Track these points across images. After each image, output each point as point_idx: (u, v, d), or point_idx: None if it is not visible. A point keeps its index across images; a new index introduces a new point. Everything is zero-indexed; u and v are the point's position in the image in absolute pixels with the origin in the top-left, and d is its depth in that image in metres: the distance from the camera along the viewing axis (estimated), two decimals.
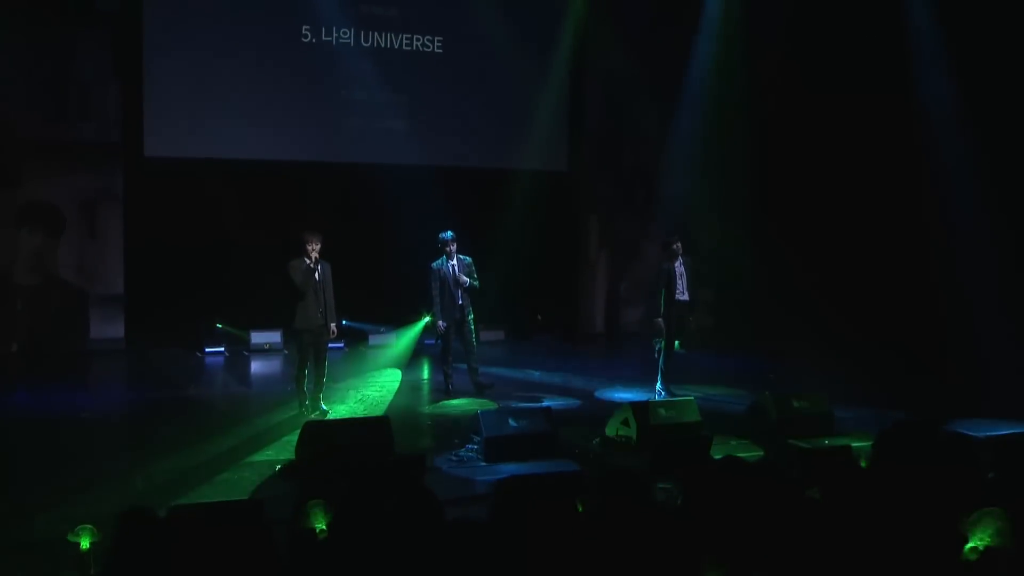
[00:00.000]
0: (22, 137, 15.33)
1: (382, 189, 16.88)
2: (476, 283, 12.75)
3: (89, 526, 5.74)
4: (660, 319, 13.07)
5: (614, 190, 19.47)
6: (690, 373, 13.69)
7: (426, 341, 17.07)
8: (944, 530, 4.62)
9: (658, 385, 13.09)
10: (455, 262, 12.63)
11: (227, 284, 15.94)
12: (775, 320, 16.37)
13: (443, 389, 12.97)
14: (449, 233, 12.68)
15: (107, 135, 15.95)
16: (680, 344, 13.33)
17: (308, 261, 11.24)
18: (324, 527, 4.81)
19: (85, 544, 5.65)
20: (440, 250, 12.68)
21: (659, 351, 13.06)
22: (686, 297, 13.08)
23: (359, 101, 17.18)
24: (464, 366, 13.04)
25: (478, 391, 12.81)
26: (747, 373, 14.46)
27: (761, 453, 9.93)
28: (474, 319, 12.91)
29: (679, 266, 13.07)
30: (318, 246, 11.29)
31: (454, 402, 12.55)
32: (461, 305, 12.66)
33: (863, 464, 7.23)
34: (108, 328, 16.16)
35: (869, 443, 8.23)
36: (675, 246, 13.09)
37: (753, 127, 18.35)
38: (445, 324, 12.69)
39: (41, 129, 15.51)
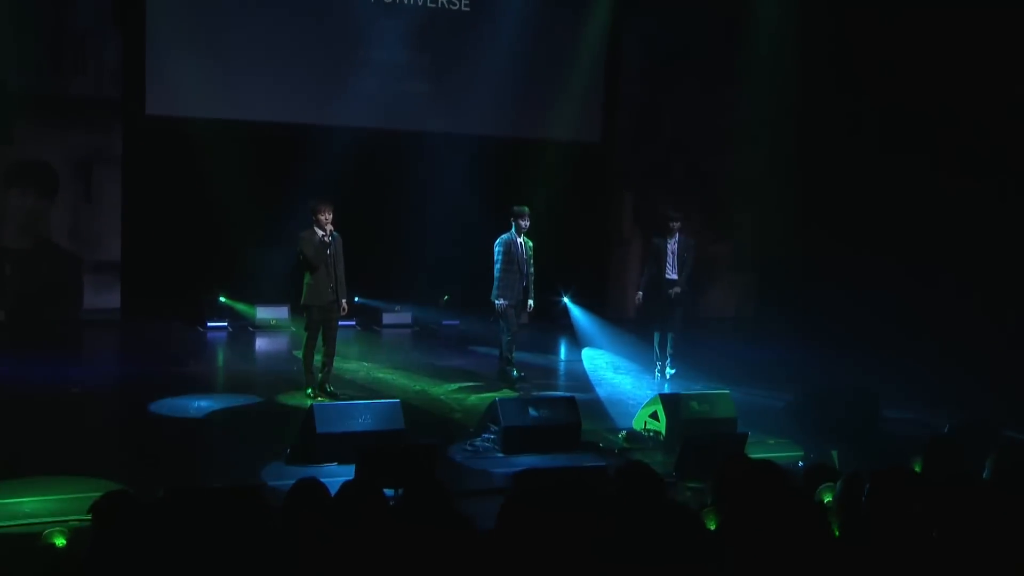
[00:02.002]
0: (13, 91, 15.37)
1: (400, 157, 16.89)
2: (533, 270, 12.69)
3: (58, 527, 5.76)
4: (639, 293, 13.47)
5: (650, 164, 19.39)
6: (726, 365, 13.64)
7: (444, 322, 17.11)
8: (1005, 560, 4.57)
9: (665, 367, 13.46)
10: (521, 240, 12.57)
11: (232, 254, 15.97)
12: (820, 309, 16.29)
13: (507, 379, 12.74)
14: (525, 207, 12.63)
15: (105, 90, 16.00)
16: (662, 326, 13.36)
17: (321, 233, 11.23)
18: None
19: (61, 542, 5.67)
20: (512, 222, 12.54)
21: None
22: (674, 276, 13.14)
23: (377, 61, 17.14)
24: (493, 351, 13.02)
25: (501, 377, 12.79)
26: (788, 366, 14.37)
27: (801, 454, 9.89)
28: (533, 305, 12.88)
29: (672, 244, 13.20)
30: (330, 215, 11.26)
31: (473, 388, 12.56)
32: (525, 287, 12.64)
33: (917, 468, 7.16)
34: (103, 297, 16.25)
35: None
36: (672, 224, 13.26)
37: (804, 98, 18.22)
38: (506, 302, 12.59)
39: (34, 83, 15.54)
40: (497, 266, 12.52)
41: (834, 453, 9.07)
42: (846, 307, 15.90)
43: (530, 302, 12.75)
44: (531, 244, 12.67)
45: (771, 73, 18.14)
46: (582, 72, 18.44)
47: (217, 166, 15.75)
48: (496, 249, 12.53)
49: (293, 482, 5.07)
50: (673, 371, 13.45)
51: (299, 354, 12.08)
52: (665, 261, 13.26)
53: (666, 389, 12.47)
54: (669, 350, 13.47)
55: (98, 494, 4.91)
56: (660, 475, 5.23)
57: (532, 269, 12.67)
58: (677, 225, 13.31)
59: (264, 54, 16.45)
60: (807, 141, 18.29)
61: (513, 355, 12.80)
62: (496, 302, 12.54)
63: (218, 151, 15.77)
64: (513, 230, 12.52)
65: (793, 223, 17.79)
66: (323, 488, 4.99)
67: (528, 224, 12.53)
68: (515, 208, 12.60)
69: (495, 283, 12.56)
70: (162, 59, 15.82)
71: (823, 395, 11.09)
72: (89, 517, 4.80)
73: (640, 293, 13.58)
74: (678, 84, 18.87)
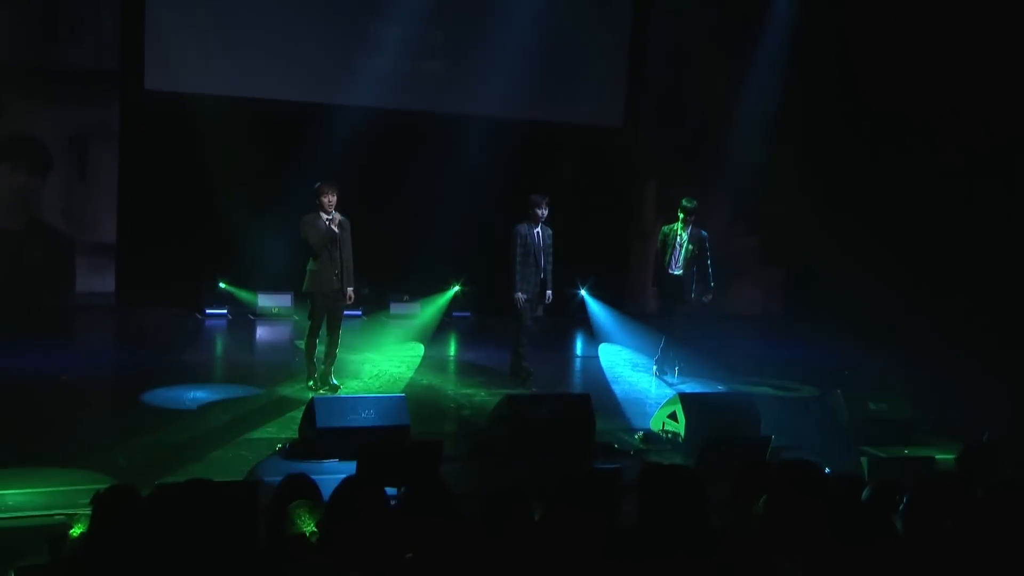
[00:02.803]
0: (4, 61, 15.36)
1: (412, 139, 16.86)
2: (551, 262, 12.65)
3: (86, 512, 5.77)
4: (654, 289, 13.19)
5: (675, 151, 19.32)
6: (751, 364, 13.60)
7: (455, 313, 17.09)
8: None
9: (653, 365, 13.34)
10: (539, 229, 12.53)
11: (233, 238, 15.96)
12: (853, 308, 16.22)
13: (519, 375, 12.72)
14: (544, 195, 12.55)
15: (102, 62, 15.99)
16: (662, 327, 13.25)
17: (325, 216, 11.22)
18: (314, 529, 4.81)
19: (75, 532, 5.68)
20: (529, 211, 12.48)
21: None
22: (679, 272, 12.96)
23: (390, 38, 17.08)
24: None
25: (513, 372, 12.77)
26: (817, 367, 14.33)
27: (828, 461, 9.85)
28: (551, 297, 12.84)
29: (680, 235, 12.96)
30: (335, 199, 11.24)
31: (483, 383, 12.57)
32: (543, 279, 12.59)
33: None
34: (96, 281, 16.28)
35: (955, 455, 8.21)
36: (684, 213, 12.94)
37: (840, 83, 18.14)
38: (525, 296, 12.53)
39: (26, 52, 15.53)
40: (515, 258, 12.49)
41: (863, 460, 9.04)
42: (880, 305, 15.83)
43: (548, 294, 12.72)
44: (551, 233, 12.63)
45: (806, 55, 18.04)
46: (604, 52, 18.39)
47: (219, 145, 15.71)
48: (511, 240, 12.50)
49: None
50: (656, 370, 13.34)
51: (301, 344, 12.10)
52: (670, 254, 13.01)
53: (681, 388, 12.44)
54: (657, 352, 13.37)
55: (86, 487, 4.92)
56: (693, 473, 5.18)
57: (551, 260, 12.64)
58: (691, 217, 12.97)
59: (270, 28, 16.42)
60: (841, 129, 18.19)
61: (524, 350, 12.79)
62: (515, 296, 12.51)
63: (220, 129, 15.72)
64: (530, 219, 12.51)
65: (825, 216, 17.70)
66: (313, 485, 4.99)
67: (547, 213, 12.46)
68: (533, 196, 12.53)
69: (513, 276, 12.53)
70: (162, 31, 15.80)
71: (852, 398, 11.03)
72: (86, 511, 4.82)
73: (655, 288, 13.31)
74: (705, 67, 18.78)
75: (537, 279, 12.53)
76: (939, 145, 16.99)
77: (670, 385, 12.85)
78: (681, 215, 12.99)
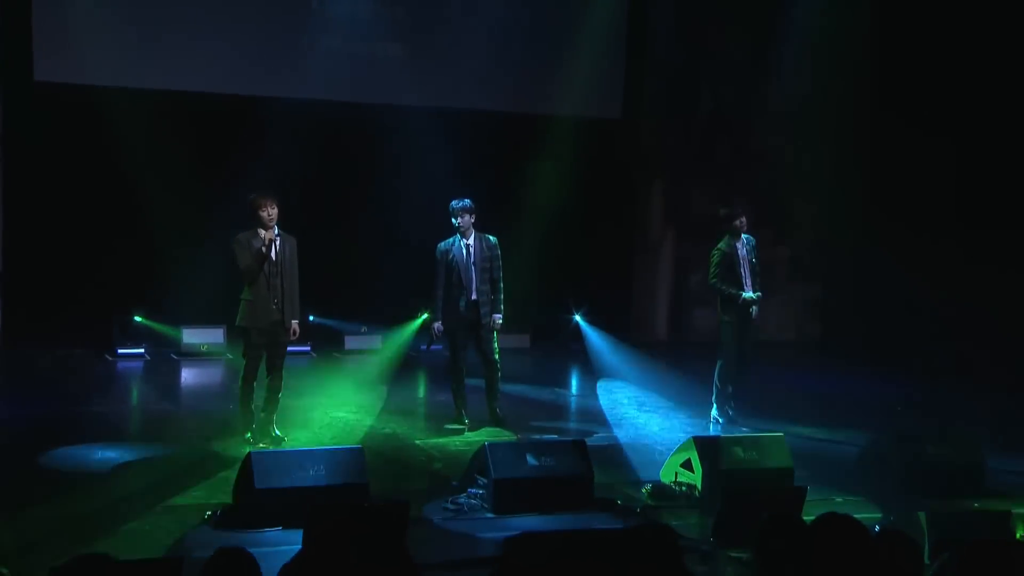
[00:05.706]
0: None
1: (368, 138, 16.88)
2: (498, 277, 12.65)
3: None
4: (728, 318, 13.01)
5: (686, 146, 19.37)
6: (781, 400, 13.59)
7: (422, 347, 17.07)
8: None
9: (713, 410, 13.21)
10: (471, 241, 12.54)
11: (151, 261, 15.94)
12: (902, 329, 16.24)
13: (450, 415, 12.86)
14: (466, 201, 12.52)
15: None
16: (736, 362, 13.18)
17: (261, 234, 11.18)
18: None
19: None
20: (454, 224, 12.53)
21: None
22: (751, 293, 12.96)
23: (337, 18, 17.15)
24: (480, 382, 13.02)
25: (493, 420, 12.76)
26: (862, 403, 14.34)
27: (879, 516, 9.83)
28: (501, 321, 12.78)
29: (741, 248, 12.98)
30: (275, 212, 11.20)
31: (456, 429, 12.57)
32: (476, 301, 12.54)
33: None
34: None
35: None
36: (738, 221, 12.97)
37: (877, 64, 18.19)
38: (442, 327, 12.60)
39: None
40: (436, 280, 12.55)
41: (921, 515, 9.02)
42: (934, 328, 15.84)
43: (496, 317, 12.64)
44: (494, 241, 12.65)
45: (838, 32, 18.09)
46: (599, 30, 18.37)
47: (131, 149, 15.71)
48: (435, 260, 12.57)
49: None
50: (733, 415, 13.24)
51: (236, 389, 12.03)
52: (741, 272, 12.99)
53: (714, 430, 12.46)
54: (728, 391, 13.28)
55: None
56: (682, 542, 5.18)
57: (499, 274, 12.64)
58: (739, 223, 12.97)
59: (189, 8, 16.40)
60: (883, 115, 18.22)
61: (461, 386, 12.81)
62: (432, 326, 12.71)
63: (133, 130, 15.70)
64: (457, 235, 12.50)
65: (868, 220, 17.73)
66: (251, 560, 4.94)
67: (471, 219, 12.46)
68: (451, 205, 12.54)
69: (433, 301, 12.66)
70: (54, 12, 15.71)
71: (907, 440, 11.01)
72: None
73: (729, 318, 13.01)
74: (721, 46, 18.85)
75: (468, 301, 12.50)
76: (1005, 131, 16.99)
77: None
78: (736, 225, 12.99)
